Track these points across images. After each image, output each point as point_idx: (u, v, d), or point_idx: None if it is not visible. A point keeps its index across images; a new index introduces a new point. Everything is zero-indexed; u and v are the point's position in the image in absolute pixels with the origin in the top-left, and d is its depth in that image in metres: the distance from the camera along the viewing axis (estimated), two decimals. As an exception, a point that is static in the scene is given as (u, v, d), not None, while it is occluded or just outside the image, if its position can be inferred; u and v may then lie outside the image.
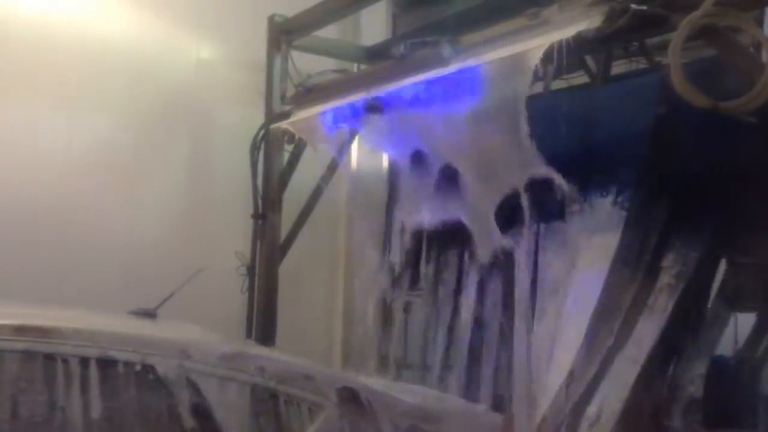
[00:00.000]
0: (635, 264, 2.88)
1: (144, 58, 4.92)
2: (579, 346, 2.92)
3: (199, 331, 3.03)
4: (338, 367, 5.56)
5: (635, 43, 3.42)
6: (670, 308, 2.76)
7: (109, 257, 4.70)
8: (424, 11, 4.77)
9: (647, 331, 2.78)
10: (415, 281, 4.24)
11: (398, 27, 5.30)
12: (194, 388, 2.42)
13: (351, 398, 2.65)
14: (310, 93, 4.39)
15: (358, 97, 3.87)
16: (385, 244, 4.40)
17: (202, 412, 2.41)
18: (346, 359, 5.60)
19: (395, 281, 5.32)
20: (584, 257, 3.00)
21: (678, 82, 2.42)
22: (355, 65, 5.23)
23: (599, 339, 2.89)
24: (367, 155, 5.69)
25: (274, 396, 2.53)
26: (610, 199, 2.96)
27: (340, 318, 5.65)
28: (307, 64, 4.78)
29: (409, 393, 3.27)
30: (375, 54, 4.98)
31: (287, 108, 4.64)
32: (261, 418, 2.51)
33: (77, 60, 4.68)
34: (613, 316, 2.89)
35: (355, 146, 5.40)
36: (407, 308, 6.36)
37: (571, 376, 2.94)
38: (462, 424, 3.02)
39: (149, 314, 3.03)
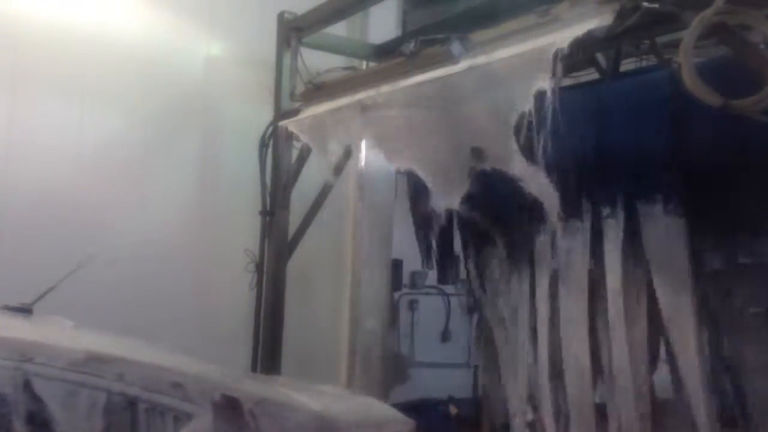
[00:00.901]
0: (690, 278, 2.78)
1: (155, 55, 4.94)
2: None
3: (67, 330, 2.76)
4: (344, 363, 5.58)
5: (646, 41, 3.39)
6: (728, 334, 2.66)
7: (117, 253, 4.72)
8: (433, 8, 4.78)
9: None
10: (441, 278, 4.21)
11: (408, 24, 5.31)
12: (33, 395, 2.17)
13: (229, 408, 2.40)
14: (319, 90, 4.39)
15: (367, 95, 3.87)
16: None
17: (40, 422, 2.16)
18: (353, 355, 5.60)
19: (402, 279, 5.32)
20: (656, 272, 2.88)
21: (689, 80, 2.41)
22: (364, 62, 5.24)
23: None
24: (375, 153, 5.70)
25: (132, 404, 2.30)
26: (659, 206, 2.85)
27: (347, 314, 5.66)
28: (316, 61, 4.79)
29: (333, 399, 3.06)
30: (384, 51, 4.98)
31: (296, 105, 4.64)
32: (114, 428, 2.27)
33: (88, 57, 4.71)
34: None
35: (363, 144, 5.41)
36: (413, 306, 6.39)
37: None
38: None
39: (24, 310, 2.83)
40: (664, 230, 2.83)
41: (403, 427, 3.00)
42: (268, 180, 4.78)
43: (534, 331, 3.37)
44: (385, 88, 3.72)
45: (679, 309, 2.80)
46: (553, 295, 3.25)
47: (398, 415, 3.12)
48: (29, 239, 4.43)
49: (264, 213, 4.77)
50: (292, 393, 2.92)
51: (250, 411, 2.43)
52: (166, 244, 4.89)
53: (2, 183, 4.40)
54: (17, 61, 4.49)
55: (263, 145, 4.78)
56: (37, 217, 4.47)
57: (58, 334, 2.66)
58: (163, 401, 2.33)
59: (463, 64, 3.23)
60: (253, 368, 4.71)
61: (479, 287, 3.80)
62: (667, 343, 2.88)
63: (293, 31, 4.69)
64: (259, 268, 4.78)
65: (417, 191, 4.32)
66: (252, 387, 2.68)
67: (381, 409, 3.20)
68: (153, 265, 4.81)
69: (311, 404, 2.79)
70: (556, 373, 3.23)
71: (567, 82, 3.63)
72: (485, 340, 3.79)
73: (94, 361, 2.32)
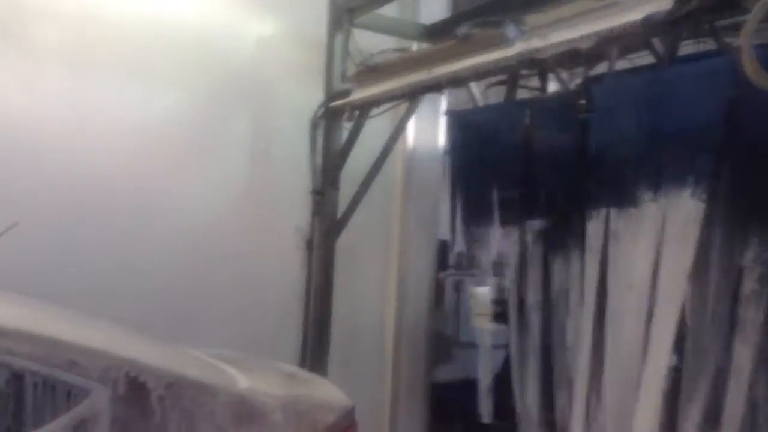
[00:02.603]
0: (717, 265, 2.73)
1: (209, 36, 5.01)
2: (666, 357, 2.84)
3: None
4: (391, 341, 5.67)
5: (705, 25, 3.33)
6: (761, 319, 2.59)
7: (173, 231, 4.86)
8: (483, -12, 4.75)
9: (745, 352, 2.62)
10: (470, 260, 4.23)
11: (458, 4, 5.29)
12: None
13: (130, 388, 2.33)
14: (371, 72, 4.43)
15: (418, 77, 3.90)
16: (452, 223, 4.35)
17: None
18: (399, 334, 5.69)
19: (448, 259, 5.35)
20: (663, 253, 2.88)
21: (748, 65, 2.37)
22: (415, 44, 5.25)
23: (694, 358, 2.78)
24: (424, 133, 5.73)
25: (19, 378, 2.24)
26: (688, 190, 2.82)
27: (393, 293, 5.74)
28: (366, 42, 4.82)
29: (275, 378, 3.02)
30: (435, 32, 4.98)
31: (347, 86, 4.69)
32: None
33: (145, 38, 4.79)
34: (701, 329, 2.75)
35: (411, 124, 5.45)
36: (458, 287, 6.43)
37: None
38: (294, 421, 2.69)
39: None
40: (687, 215, 2.82)
41: (338, 410, 2.94)
42: (318, 160, 4.85)
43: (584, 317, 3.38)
44: (437, 71, 3.74)
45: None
46: (601, 283, 3.25)
47: (338, 397, 3.09)
48: (98, 217, 4.58)
49: (314, 192, 4.86)
50: (226, 371, 2.87)
51: (159, 396, 2.37)
52: (219, 222, 5.01)
53: (72, 160, 4.51)
54: (77, 43, 4.60)
55: (314, 125, 4.86)
56: (103, 195, 4.61)
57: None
58: (56, 376, 2.27)
59: (516, 47, 3.23)
60: (303, 344, 4.84)
61: (517, 272, 3.81)
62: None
63: (345, 13, 4.72)
64: (309, 245, 4.88)
65: (460, 171, 4.36)
66: (171, 367, 2.56)
67: (322, 391, 3.15)
68: (207, 244, 4.95)
69: (239, 384, 2.72)
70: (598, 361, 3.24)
71: (621, 64, 3.63)
72: (520, 324, 3.82)
73: None
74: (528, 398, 3.65)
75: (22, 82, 4.42)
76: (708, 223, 2.76)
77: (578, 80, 3.96)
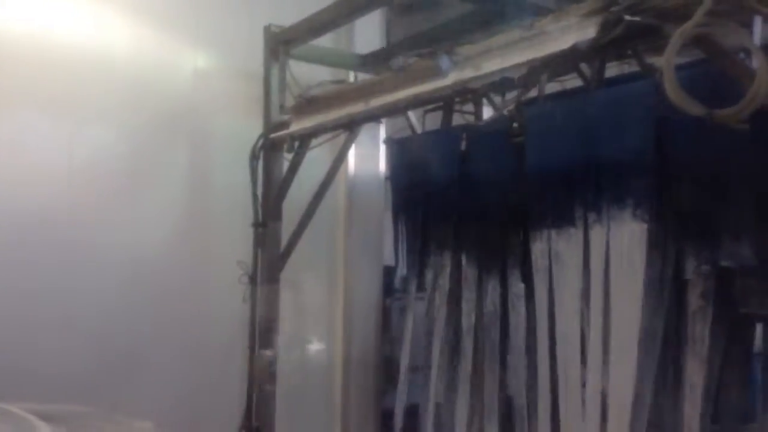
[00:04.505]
0: (661, 284, 2.85)
1: (143, 70, 4.94)
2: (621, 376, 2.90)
3: None
4: (339, 370, 5.63)
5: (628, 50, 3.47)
6: (707, 338, 2.72)
7: (111, 270, 4.73)
8: (416, 18, 4.84)
9: (695, 368, 2.75)
10: (417, 284, 4.27)
11: (392, 34, 5.36)
12: None
13: None
14: (309, 103, 4.43)
15: (356, 108, 3.93)
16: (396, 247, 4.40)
17: None
18: (347, 362, 5.65)
19: (394, 284, 5.38)
20: (611, 274, 2.98)
21: (672, 91, 2.47)
22: (351, 73, 5.28)
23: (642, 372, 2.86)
24: (365, 160, 5.75)
25: None
26: (629, 211, 2.92)
27: (341, 322, 5.71)
28: (304, 70, 4.83)
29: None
30: (370, 61, 5.04)
31: (285, 117, 4.68)
32: None
33: (76, 73, 4.70)
34: (652, 347, 2.85)
35: (352, 152, 5.47)
36: (406, 311, 6.44)
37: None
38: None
39: None
40: (631, 236, 2.91)
41: None
42: (259, 192, 4.81)
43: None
44: (374, 102, 3.78)
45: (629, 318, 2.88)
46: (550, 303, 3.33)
47: None
48: (18, 257, 4.43)
49: (256, 225, 4.81)
50: (32, 427, 2.82)
51: None
52: (158, 258, 4.91)
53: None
54: (3, 79, 4.48)
55: (254, 157, 4.81)
56: (27, 237, 4.47)
57: None
58: None
59: (450, 78, 3.29)
60: (250, 382, 4.74)
61: (451, 295, 3.88)
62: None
63: (281, 45, 4.73)
64: (252, 279, 4.81)
65: (400, 198, 4.42)
66: None
67: None
68: (146, 281, 4.83)
69: None
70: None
71: (551, 86, 3.74)
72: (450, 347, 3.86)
73: None
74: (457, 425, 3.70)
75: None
76: (652, 242, 2.85)
77: (512, 105, 4.06)
